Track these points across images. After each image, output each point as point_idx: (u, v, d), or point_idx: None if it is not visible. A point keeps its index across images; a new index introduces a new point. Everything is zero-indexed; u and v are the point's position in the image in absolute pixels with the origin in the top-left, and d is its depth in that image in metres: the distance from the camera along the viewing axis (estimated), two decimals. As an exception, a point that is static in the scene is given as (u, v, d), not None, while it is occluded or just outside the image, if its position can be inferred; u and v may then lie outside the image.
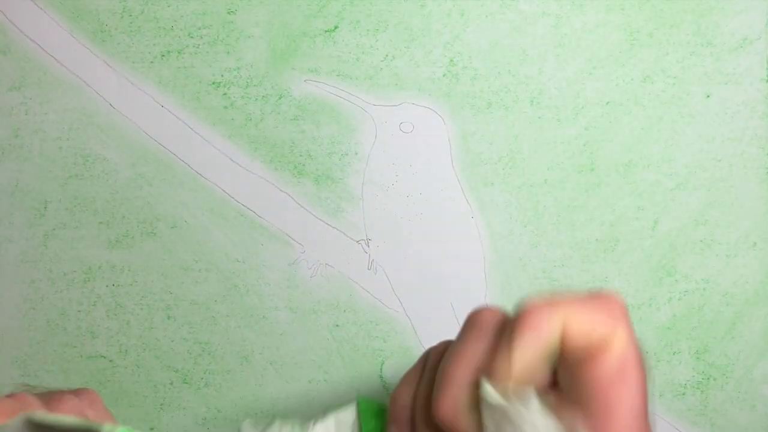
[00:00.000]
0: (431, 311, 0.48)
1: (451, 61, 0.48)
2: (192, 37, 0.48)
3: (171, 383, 0.48)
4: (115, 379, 0.48)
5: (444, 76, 0.48)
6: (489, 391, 0.23)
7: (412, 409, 0.28)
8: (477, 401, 0.24)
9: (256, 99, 0.48)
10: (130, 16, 0.48)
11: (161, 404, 0.48)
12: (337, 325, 0.48)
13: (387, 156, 0.48)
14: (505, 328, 0.25)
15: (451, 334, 0.49)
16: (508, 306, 0.49)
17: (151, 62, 0.48)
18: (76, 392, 0.30)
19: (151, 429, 0.48)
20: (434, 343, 0.49)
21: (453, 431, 0.25)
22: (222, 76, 0.48)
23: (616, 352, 0.24)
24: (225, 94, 0.48)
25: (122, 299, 0.48)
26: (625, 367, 0.23)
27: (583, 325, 0.24)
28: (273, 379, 0.48)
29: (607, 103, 0.49)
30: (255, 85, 0.48)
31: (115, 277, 0.48)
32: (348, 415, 0.31)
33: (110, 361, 0.48)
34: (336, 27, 0.49)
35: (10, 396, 0.26)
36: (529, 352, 0.23)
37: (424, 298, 0.48)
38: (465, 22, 0.49)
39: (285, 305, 0.48)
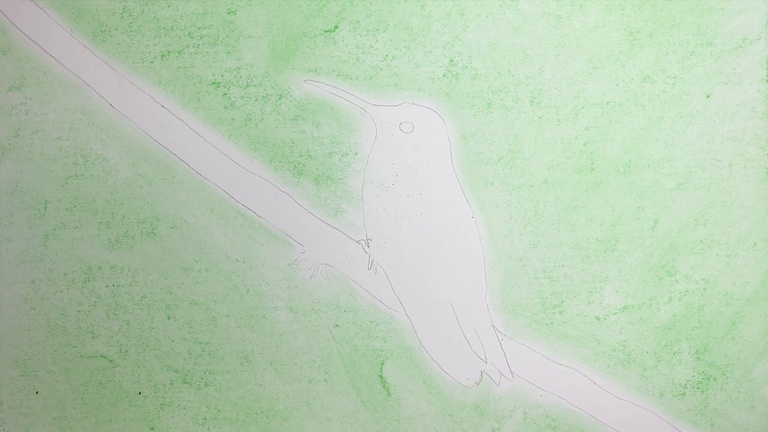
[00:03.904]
0: (431, 311, 0.48)
1: (451, 61, 0.48)
2: (192, 37, 0.48)
3: (171, 383, 0.48)
4: (115, 379, 0.48)
5: (444, 76, 0.48)
6: None
7: None
8: None
9: (256, 99, 0.48)
10: (130, 16, 0.49)
11: (161, 404, 0.48)
12: (337, 325, 0.48)
13: (387, 156, 0.48)
14: None
15: (451, 334, 0.49)
16: (508, 306, 0.49)
17: (151, 62, 0.48)
18: None
19: (151, 429, 0.48)
20: (434, 342, 0.49)
21: None
22: (222, 76, 0.48)
23: None
24: (225, 94, 0.48)
25: (122, 299, 0.48)
26: None
27: None
28: (273, 379, 0.48)
29: (607, 103, 0.49)
30: (255, 85, 0.48)
31: (115, 277, 0.48)
32: None
33: (110, 361, 0.48)
34: (336, 27, 0.49)
35: None
36: None
37: (424, 298, 0.48)
38: (465, 22, 0.49)
39: (285, 305, 0.48)
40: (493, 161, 0.48)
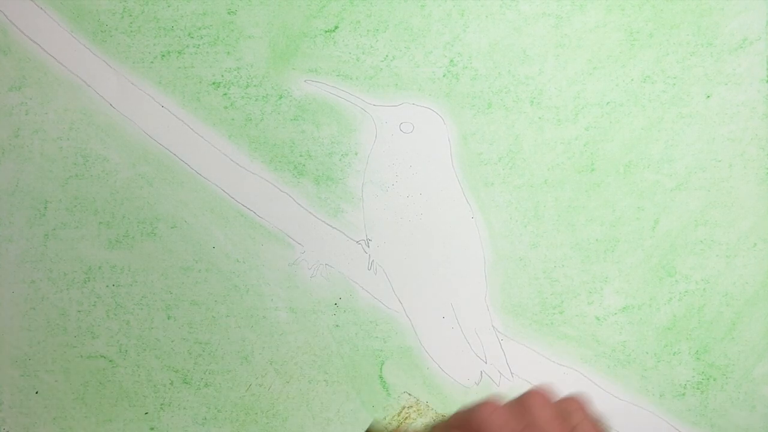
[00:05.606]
0: (431, 311, 0.48)
1: (451, 61, 0.48)
2: (192, 37, 0.48)
3: (171, 383, 0.48)
4: (115, 379, 0.48)
5: (444, 76, 0.48)
6: None
7: None
8: None
9: (256, 99, 0.48)
10: (130, 16, 0.49)
11: (161, 404, 0.48)
12: (337, 325, 0.48)
13: (387, 156, 0.48)
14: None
15: (451, 334, 0.49)
16: (508, 306, 0.49)
17: (151, 62, 0.48)
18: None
19: (151, 429, 0.48)
20: (434, 342, 0.49)
21: None
22: (222, 76, 0.48)
23: None
24: (225, 94, 0.48)
25: (122, 299, 0.48)
26: None
27: None
28: (273, 379, 0.48)
29: (607, 103, 0.49)
30: (255, 86, 0.48)
31: (115, 277, 0.48)
32: None
33: (110, 361, 0.48)
34: (336, 27, 0.49)
35: None
36: None
37: (424, 298, 0.48)
38: (465, 22, 0.49)
39: (285, 305, 0.48)
40: (493, 161, 0.48)
